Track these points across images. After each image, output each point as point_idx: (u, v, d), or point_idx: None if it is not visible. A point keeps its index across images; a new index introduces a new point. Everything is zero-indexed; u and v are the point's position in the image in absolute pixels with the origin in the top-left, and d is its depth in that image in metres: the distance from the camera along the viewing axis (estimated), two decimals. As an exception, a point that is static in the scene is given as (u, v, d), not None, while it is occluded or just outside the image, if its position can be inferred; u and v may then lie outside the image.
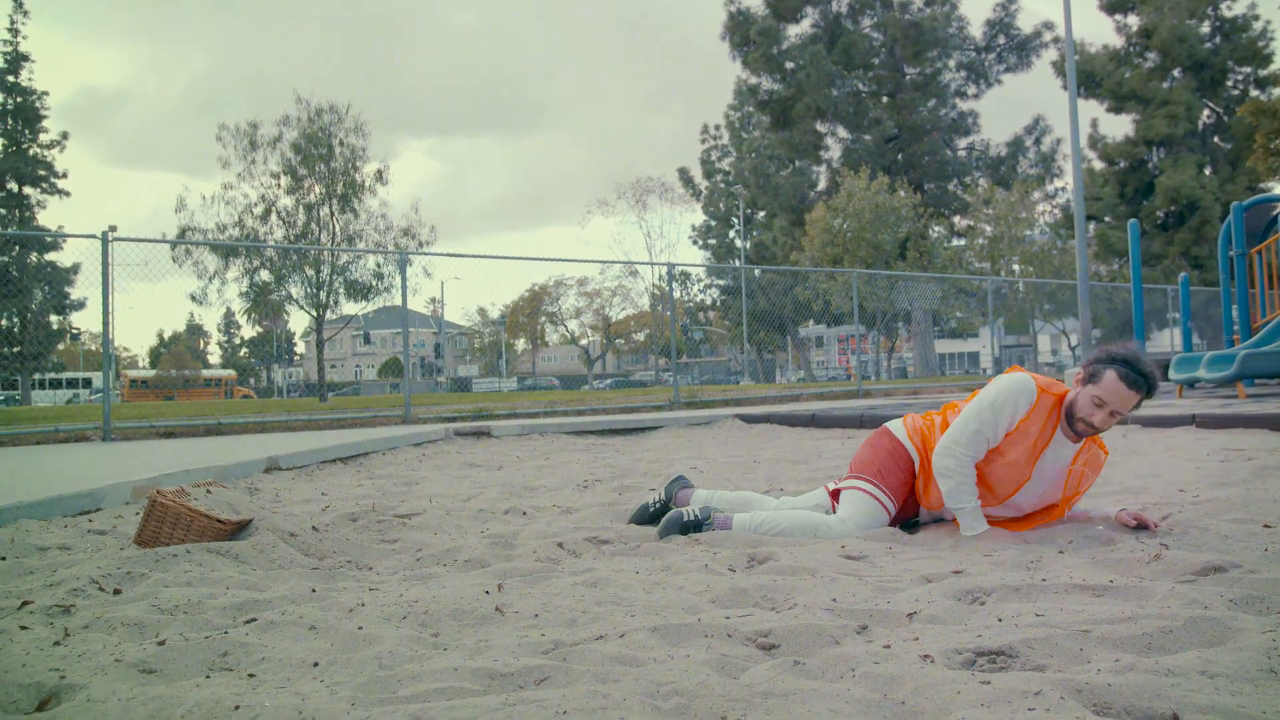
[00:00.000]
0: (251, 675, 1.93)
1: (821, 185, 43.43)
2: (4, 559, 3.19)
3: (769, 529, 3.32)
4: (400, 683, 1.86)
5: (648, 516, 3.75)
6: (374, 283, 26.51)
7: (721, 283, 52.75)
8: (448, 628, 2.28)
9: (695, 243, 55.12)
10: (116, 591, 2.65)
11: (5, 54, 42.01)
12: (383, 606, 2.41)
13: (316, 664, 1.99)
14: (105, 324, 9.92)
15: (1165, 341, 25.46)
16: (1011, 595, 2.41)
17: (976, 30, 42.60)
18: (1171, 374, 10.66)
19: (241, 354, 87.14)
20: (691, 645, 2.08)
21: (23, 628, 2.24)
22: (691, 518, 3.45)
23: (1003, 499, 3.28)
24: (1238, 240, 12.05)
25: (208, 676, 1.93)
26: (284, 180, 26.73)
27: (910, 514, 3.49)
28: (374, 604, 2.44)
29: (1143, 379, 3.10)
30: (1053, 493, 3.27)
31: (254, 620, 2.30)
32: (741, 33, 41.35)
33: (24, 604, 2.48)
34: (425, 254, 27.39)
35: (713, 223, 53.96)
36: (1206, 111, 40.67)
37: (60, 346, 48.81)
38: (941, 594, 2.44)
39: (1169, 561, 2.62)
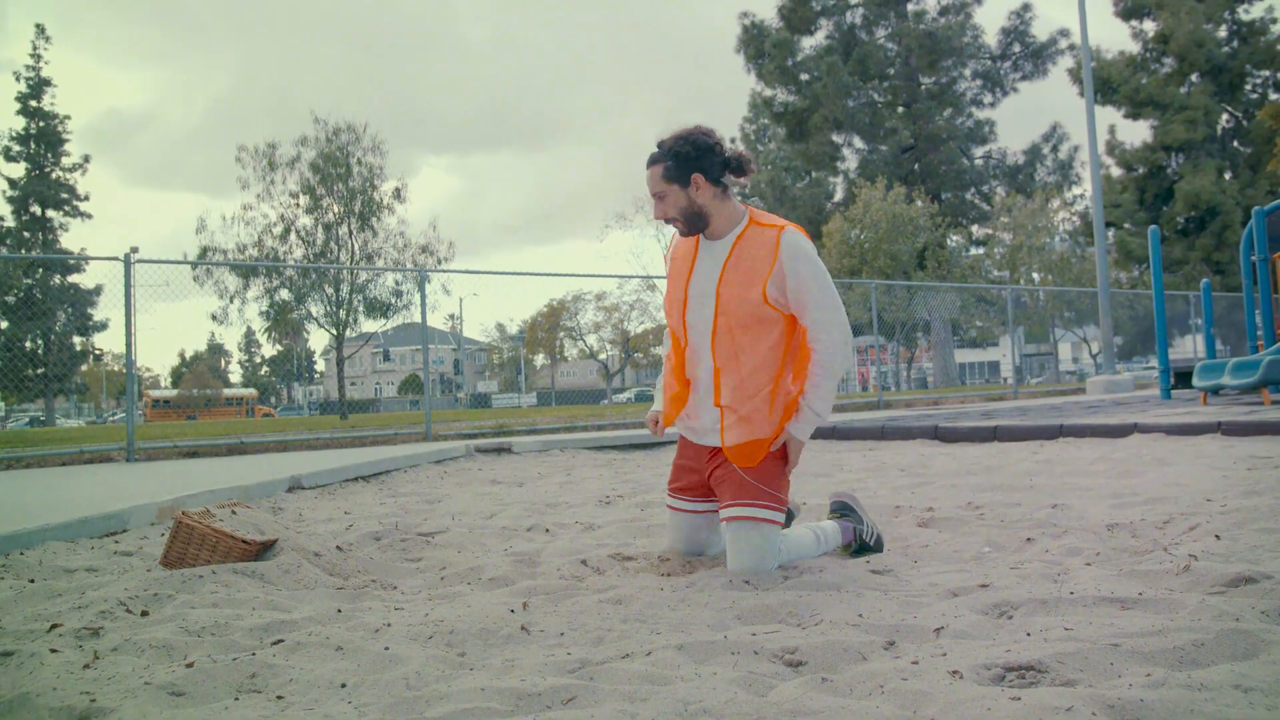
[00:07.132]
0: (280, 697, 1.93)
1: (838, 196, 43.41)
2: (32, 581, 3.21)
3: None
4: (428, 703, 1.86)
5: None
6: (393, 300, 26.75)
7: (739, 295, 52.63)
8: (474, 647, 2.28)
9: (712, 255, 55.03)
10: (144, 613, 2.66)
11: (28, 79, 42.59)
12: (409, 626, 2.41)
13: (344, 685, 1.99)
14: (128, 344, 10.02)
15: (1188, 348, 25.25)
16: (1039, 609, 2.39)
17: (992, 39, 42.58)
18: (1195, 381, 10.57)
19: (262, 372, 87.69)
20: (718, 663, 2.07)
21: (52, 650, 2.26)
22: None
23: (676, 329, 3.16)
24: (1260, 245, 11.95)
25: (236, 699, 1.94)
26: (303, 200, 26.99)
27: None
28: (400, 624, 2.44)
29: (656, 152, 3.02)
30: (726, 300, 3.00)
31: (281, 641, 2.30)
32: (756, 45, 41.45)
33: (53, 627, 2.49)
34: (444, 271, 27.57)
35: (730, 235, 53.89)
36: (1225, 116, 40.48)
37: (83, 368, 49.29)
38: (968, 608, 2.42)
39: (1198, 573, 2.59)
